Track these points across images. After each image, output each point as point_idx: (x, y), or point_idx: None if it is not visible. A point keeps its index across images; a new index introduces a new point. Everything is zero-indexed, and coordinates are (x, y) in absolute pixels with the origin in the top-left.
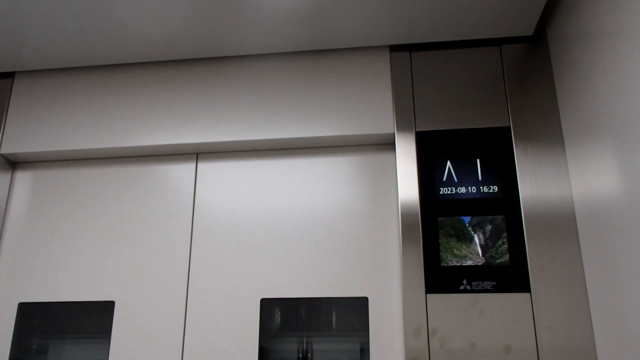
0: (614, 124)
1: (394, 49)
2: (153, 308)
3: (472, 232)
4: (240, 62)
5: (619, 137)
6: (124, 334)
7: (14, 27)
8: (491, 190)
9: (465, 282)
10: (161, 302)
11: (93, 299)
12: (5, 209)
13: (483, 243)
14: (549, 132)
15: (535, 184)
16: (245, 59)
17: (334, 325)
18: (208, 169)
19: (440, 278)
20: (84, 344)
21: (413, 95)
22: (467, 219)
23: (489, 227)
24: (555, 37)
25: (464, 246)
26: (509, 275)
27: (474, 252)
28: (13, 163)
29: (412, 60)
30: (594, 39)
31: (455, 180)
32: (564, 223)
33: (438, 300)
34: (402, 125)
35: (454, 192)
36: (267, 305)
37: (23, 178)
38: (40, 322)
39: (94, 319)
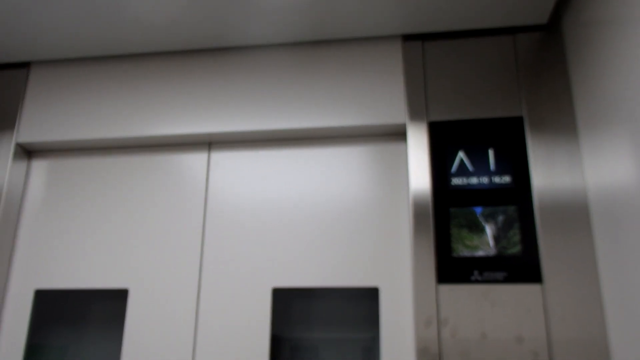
0: (630, 113)
1: (406, 38)
2: (166, 296)
3: (484, 223)
4: (253, 53)
5: (636, 127)
6: (137, 321)
7: (27, 16)
8: (504, 181)
9: (476, 272)
10: (174, 291)
11: (107, 287)
12: (22, 197)
13: (495, 233)
14: (563, 122)
15: (549, 174)
16: (257, 49)
17: (344, 314)
18: (220, 158)
19: (451, 268)
20: (99, 330)
21: (425, 85)
22: (479, 209)
23: (501, 217)
24: (570, 25)
25: (476, 237)
26: (520, 265)
27: (485, 242)
28: (29, 152)
29: (424, 50)
30: (610, 26)
31: (468, 170)
32: (577, 214)
33: (449, 290)
34: (414, 116)
35: (466, 182)
36: (279, 295)
37: (39, 167)
38: (56, 309)
39: (108, 306)
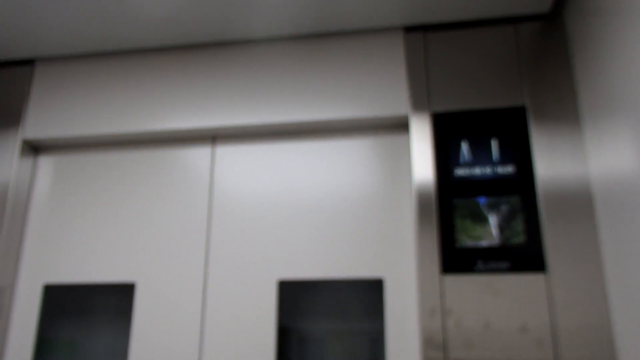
0: (633, 102)
1: (408, 30)
2: (172, 290)
3: (488, 213)
4: (255, 47)
5: (639, 116)
6: (144, 314)
7: (30, 13)
8: (507, 171)
9: (480, 262)
10: (180, 284)
11: (115, 281)
12: (29, 193)
13: (498, 223)
14: (566, 111)
15: (552, 163)
16: (259, 43)
17: (350, 306)
18: (224, 152)
19: (455, 259)
20: (107, 324)
21: (428, 76)
22: (482, 199)
23: (505, 207)
24: (572, 14)
25: (479, 227)
26: (524, 255)
27: (489, 232)
28: (35, 148)
29: (426, 41)
30: (613, 15)
31: (471, 161)
32: (580, 203)
33: (453, 280)
34: (416, 107)
35: (469, 173)
36: (285, 287)
37: (45, 163)
38: (64, 303)
39: (116, 300)
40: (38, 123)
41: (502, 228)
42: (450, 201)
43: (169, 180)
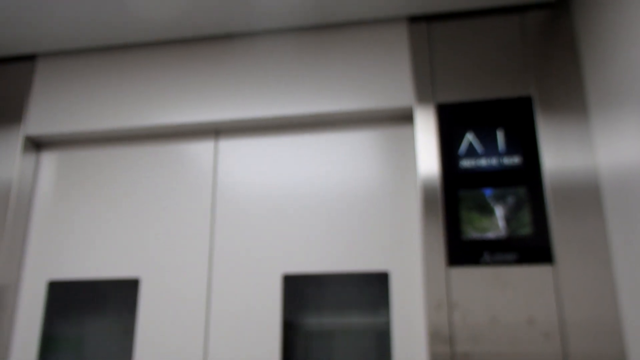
0: None
1: (411, 20)
2: (177, 285)
3: (494, 204)
4: (258, 40)
5: None
6: (149, 310)
7: (31, 7)
8: (513, 162)
9: (487, 254)
10: (185, 279)
11: (119, 277)
12: (32, 190)
13: (505, 215)
14: (573, 101)
15: (559, 154)
16: (262, 36)
17: (355, 300)
18: (228, 146)
19: (461, 251)
20: (112, 320)
21: (432, 67)
22: (488, 191)
23: (511, 198)
24: (579, 2)
25: (486, 219)
26: (531, 247)
27: (495, 224)
28: (38, 145)
29: (430, 31)
30: (620, 3)
31: (477, 152)
32: (588, 193)
33: (459, 273)
34: (421, 98)
35: (475, 164)
36: (290, 281)
37: (48, 159)
38: (69, 299)
39: (120, 296)
40: (40, 119)
41: (508, 220)
42: (455, 193)
43: (172, 175)
